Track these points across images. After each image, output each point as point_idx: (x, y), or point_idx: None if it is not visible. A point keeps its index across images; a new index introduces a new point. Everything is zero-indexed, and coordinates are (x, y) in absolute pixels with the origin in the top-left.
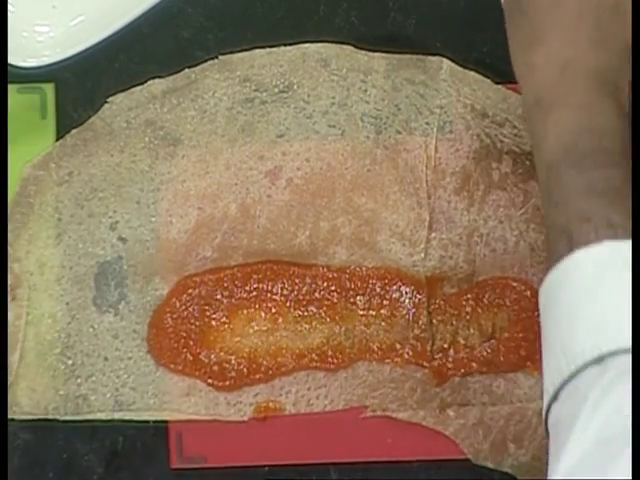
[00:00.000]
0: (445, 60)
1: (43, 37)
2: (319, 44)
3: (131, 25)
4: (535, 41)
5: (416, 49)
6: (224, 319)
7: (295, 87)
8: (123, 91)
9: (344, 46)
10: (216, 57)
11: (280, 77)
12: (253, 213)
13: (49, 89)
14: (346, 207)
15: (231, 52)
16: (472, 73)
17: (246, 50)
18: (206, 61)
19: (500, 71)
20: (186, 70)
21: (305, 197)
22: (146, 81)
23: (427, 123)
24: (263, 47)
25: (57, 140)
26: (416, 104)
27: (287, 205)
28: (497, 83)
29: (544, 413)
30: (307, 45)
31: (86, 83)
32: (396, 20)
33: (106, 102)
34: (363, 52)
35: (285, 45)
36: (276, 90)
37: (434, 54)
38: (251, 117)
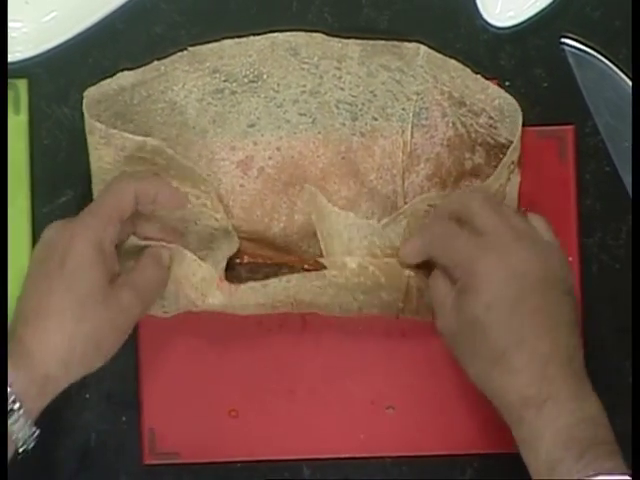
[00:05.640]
0: (422, 46)
1: (16, 33)
2: (288, 33)
3: (104, 21)
4: (509, 348)
5: None
6: None
7: (265, 76)
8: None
9: (314, 34)
10: (185, 49)
11: (249, 67)
12: (226, 203)
13: (22, 85)
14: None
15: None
16: (452, 61)
17: (215, 41)
18: (175, 53)
19: (471, 68)
20: (155, 62)
21: (277, 186)
22: (115, 74)
23: (404, 109)
24: (232, 37)
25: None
26: (392, 90)
27: (260, 194)
28: None
29: None
30: (276, 34)
31: (59, 79)
32: (369, 16)
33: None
34: (336, 39)
35: (254, 35)
36: (246, 80)
37: None
38: (221, 108)
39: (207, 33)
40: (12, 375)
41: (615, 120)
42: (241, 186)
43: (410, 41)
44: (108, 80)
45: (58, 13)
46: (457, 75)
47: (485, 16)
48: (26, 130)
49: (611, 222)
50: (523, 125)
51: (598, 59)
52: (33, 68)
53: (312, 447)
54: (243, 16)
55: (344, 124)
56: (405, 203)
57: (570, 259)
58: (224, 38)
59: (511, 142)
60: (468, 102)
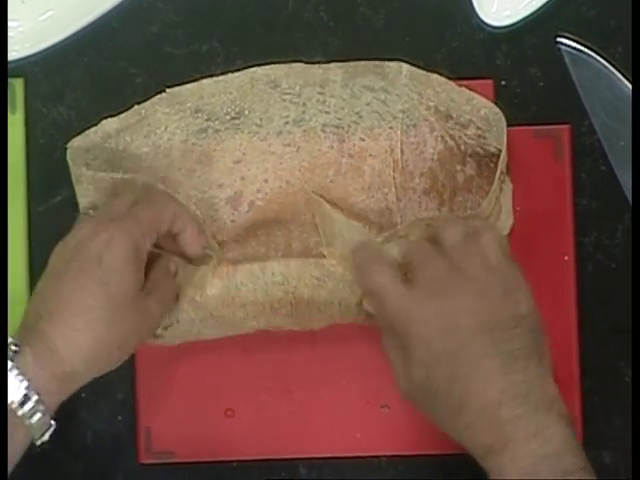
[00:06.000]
0: (404, 65)
1: (12, 32)
2: (267, 66)
3: (100, 20)
4: (458, 404)
5: (384, 45)
6: None
7: (247, 112)
8: (79, 134)
9: (294, 64)
10: (164, 91)
11: (230, 104)
12: (220, 240)
13: (18, 84)
14: (312, 220)
15: (179, 84)
16: (435, 75)
17: (195, 80)
18: (155, 95)
19: (467, 67)
20: (136, 106)
21: (269, 216)
22: (99, 121)
23: (391, 128)
24: (210, 76)
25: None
26: (378, 111)
27: (253, 226)
28: (463, 79)
29: None
30: (255, 69)
31: (55, 78)
32: (365, 15)
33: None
34: (317, 66)
35: (232, 72)
36: (228, 117)
37: (402, 50)
38: (206, 147)
39: (204, 33)
40: (34, 369)
41: (611, 119)
42: (232, 222)
43: (405, 41)
44: (93, 129)
45: (54, 12)
46: (441, 89)
47: (481, 15)
48: (22, 129)
49: (607, 222)
50: (519, 124)
51: (594, 58)
52: (29, 67)
53: (308, 446)
54: (239, 15)
55: (332, 147)
56: (402, 220)
57: (566, 258)
58: (221, 38)
59: (501, 150)
60: (455, 115)
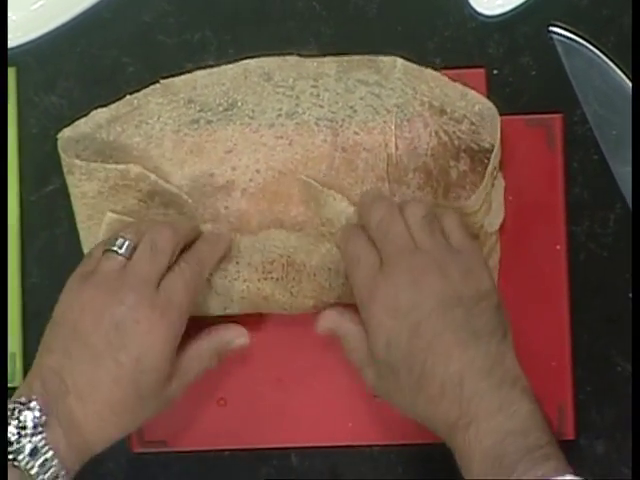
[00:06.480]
0: (398, 59)
1: None
2: (260, 59)
3: (92, 9)
4: (421, 379)
5: (377, 35)
6: None
7: (239, 104)
8: (69, 125)
9: (288, 57)
10: (157, 82)
11: (223, 95)
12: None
13: (11, 73)
14: (305, 211)
15: (172, 75)
16: (429, 70)
17: (188, 72)
18: (148, 85)
19: (459, 56)
20: (128, 97)
21: (262, 204)
22: (90, 111)
23: (385, 122)
24: (203, 66)
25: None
26: (372, 105)
27: (246, 213)
28: (455, 68)
29: None
30: (248, 61)
31: (47, 67)
32: (357, 5)
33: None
34: (310, 59)
35: (225, 63)
36: (220, 109)
37: (395, 39)
38: (198, 138)
39: (196, 21)
40: (64, 448)
41: (603, 109)
42: (226, 208)
43: (397, 31)
44: (83, 119)
45: (46, 1)
46: (435, 84)
47: (473, 4)
48: (14, 118)
49: (599, 210)
50: (511, 113)
51: (586, 47)
52: (21, 56)
53: (300, 435)
54: (232, 4)
55: (325, 140)
56: None
57: (558, 247)
58: (213, 27)
59: (494, 145)
60: (449, 110)
